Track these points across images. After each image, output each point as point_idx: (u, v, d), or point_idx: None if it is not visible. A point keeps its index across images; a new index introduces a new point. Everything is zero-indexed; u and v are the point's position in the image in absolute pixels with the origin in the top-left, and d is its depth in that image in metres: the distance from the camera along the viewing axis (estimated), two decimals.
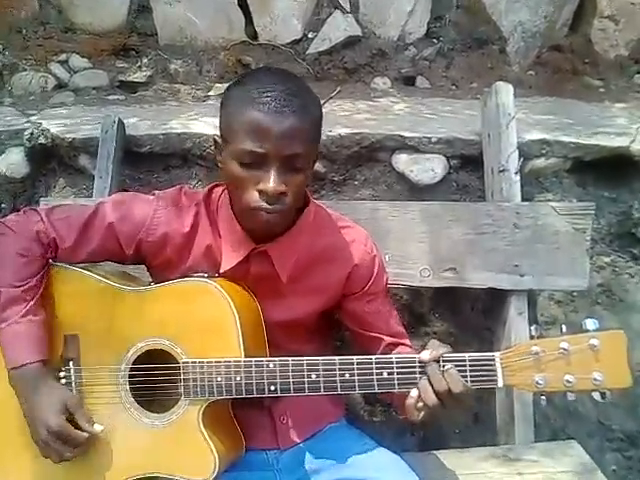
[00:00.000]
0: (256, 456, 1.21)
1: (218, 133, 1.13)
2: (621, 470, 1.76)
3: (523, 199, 1.67)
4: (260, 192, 1.04)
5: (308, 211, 1.19)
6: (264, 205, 1.05)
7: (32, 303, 1.12)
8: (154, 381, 1.12)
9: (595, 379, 0.96)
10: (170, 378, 1.11)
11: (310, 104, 1.08)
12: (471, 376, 1.02)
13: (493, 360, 1.02)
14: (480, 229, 1.58)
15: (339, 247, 1.22)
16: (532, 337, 1.02)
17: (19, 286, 1.12)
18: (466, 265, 1.57)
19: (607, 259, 1.85)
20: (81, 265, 1.20)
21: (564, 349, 0.98)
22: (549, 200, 1.79)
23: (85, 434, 1.08)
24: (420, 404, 1.03)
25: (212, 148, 1.16)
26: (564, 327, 1.01)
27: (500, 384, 1.02)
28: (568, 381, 0.98)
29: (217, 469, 1.07)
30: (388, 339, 1.25)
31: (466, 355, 1.03)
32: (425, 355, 1.03)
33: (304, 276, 1.19)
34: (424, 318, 1.81)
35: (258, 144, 1.03)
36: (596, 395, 0.98)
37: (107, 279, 1.18)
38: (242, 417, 1.18)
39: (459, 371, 1.02)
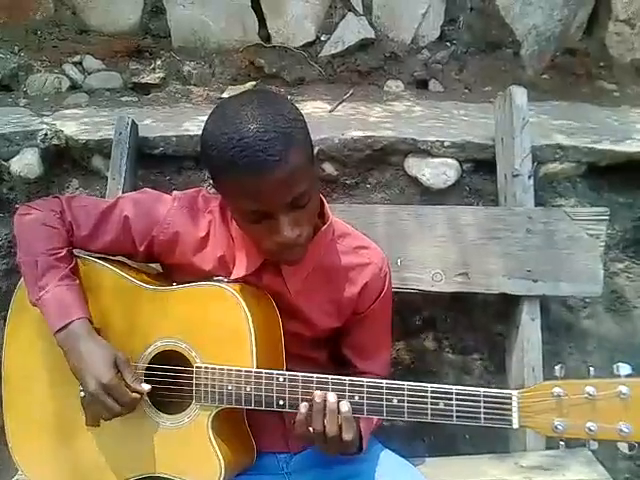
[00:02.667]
0: (267, 459, 1.22)
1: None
2: (634, 478, 1.75)
3: (536, 204, 1.66)
4: (277, 243, 1.03)
5: (327, 229, 1.17)
6: (284, 250, 1.05)
7: (68, 269, 1.15)
8: (169, 382, 1.12)
9: (621, 430, 0.88)
10: (184, 381, 1.11)
11: (290, 127, 0.97)
12: (485, 413, 0.96)
13: (510, 399, 0.95)
14: (493, 234, 1.57)
15: (353, 268, 1.20)
16: (556, 377, 0.94)
17: (52, 254, 1.14)
18: (478, 270, 1.56)
19: (621, 265, 1.83)
20: (107, 260, 1.21)
21: (589, 394, 0.90)
22: (563, 205, 1.78)
23: (133, 394, 1.07)
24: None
25: None
26: (592, 369, 0.93)
27: (515, 425, 0.95)
28: (590, 429, 0.90)
29: (222, 476, 1.07)
30: (359, 364, 1.24)
31: (481, 390, 0.97)
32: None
33: (315, 294, 1.18)
34: (436, 323, 1.81)
35: (256, 203, 0.99)
36: (623, 446, 0.89)
37: (131, 276, 1.18)
38: (253, 420, 1.18)
39: (472, 407, 0.97)
